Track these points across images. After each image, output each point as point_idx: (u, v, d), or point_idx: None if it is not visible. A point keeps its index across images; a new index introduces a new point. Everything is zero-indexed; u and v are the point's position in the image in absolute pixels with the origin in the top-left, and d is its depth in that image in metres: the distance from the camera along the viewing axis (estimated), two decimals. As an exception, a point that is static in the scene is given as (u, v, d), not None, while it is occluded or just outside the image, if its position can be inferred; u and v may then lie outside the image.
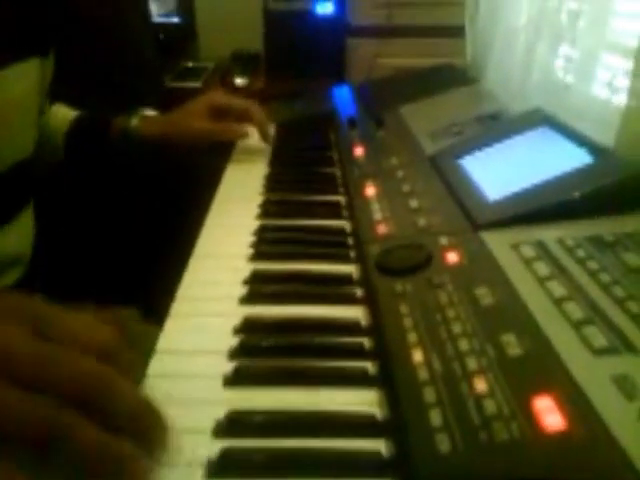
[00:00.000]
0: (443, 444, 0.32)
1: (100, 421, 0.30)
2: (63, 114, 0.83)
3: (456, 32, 1.25)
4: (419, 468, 0.31)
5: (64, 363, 0.31)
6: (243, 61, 1.70)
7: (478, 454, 0.31)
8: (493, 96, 0.94)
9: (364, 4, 1.57)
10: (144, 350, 0.44)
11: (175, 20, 1.79)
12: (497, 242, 0.50)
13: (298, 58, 1.66)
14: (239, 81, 1.64)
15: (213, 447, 0.35)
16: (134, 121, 0.83)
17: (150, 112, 0.88)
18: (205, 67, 1.68)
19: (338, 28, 1.62)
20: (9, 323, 0.33)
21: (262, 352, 0.45)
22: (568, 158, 0.58)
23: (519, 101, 0.84)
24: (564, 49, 0.85)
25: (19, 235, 0.64)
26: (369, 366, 0.43)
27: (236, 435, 0.37)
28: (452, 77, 1.11)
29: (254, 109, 0.87)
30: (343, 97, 1.15)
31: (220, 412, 0.38)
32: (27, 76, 0.61)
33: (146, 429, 0.33)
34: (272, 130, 0.97)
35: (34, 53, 0.62)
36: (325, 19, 1.64)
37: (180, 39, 1.79)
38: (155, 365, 0.43)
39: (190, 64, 1.71)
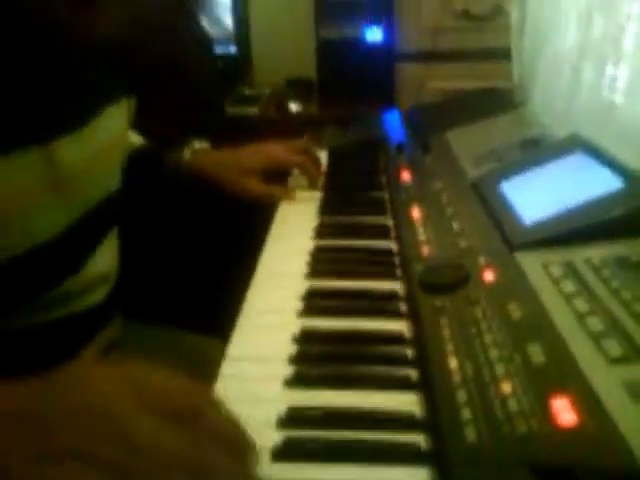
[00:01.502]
0: (471, 435, 0.38)
1: None
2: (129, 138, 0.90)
3: (502, 54, 1.30)
4: (450, 455, 0.37)
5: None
6: (297, 87, 1.79)
7: (500, 444, 0.36)
8: (537, 120, 0.98)
9: (412, 30, 1.64)
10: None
11: (232, 49, 1.90)
12: (530, 262, 0.55)
13: (350, 84, 1.74)
14: (293, 107, 1.73)
15: (277, 436, 0.42)
16: (186, 153, 0.87)
17: (201, 144, 0.92)
18: (261, 94, 1.77)
19: (387, 54, 1.69)
20: (125, 393, 0.34)
21: (317, 359, 0.51)
22: (600, 183, 0.62)
23: (564, 124, 0.87)
24: (610, 69, 0.88)
25: (108, 255, 0.72)
26: (411, 373, 0.49)
27: (296, 427, 0.43)
28: (497, 101, 1.16)
29: (308, 165, 0.90)
30: (392, 122, 1.21)
31: (282, 408, 0.45)
32: (120, 116, 0.69)
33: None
34: (324, 156, 1.04)
35: (123, 94, 0.70)
36: (375, 46, 1.72)
37: (237, 67, 1.90)
38: (226, 369, 0.51)
39: (247, 91, 1.81)
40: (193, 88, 1.33)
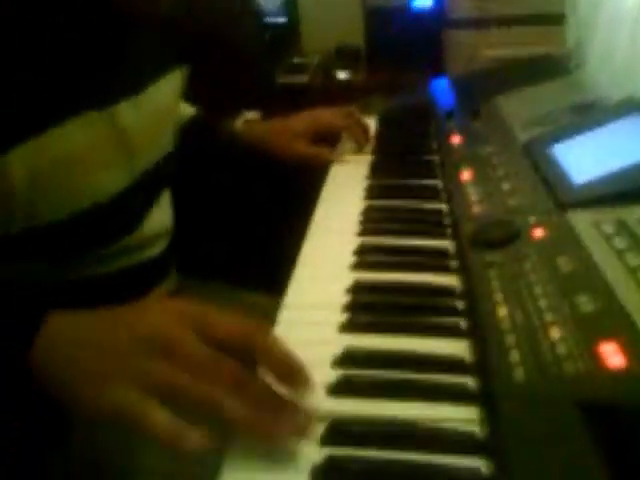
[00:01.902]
0: (519, 376, 0.40)
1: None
2: (182, 109, 0.94)
3: (555, 19, 1.27)
4: (498, 394, 0.39)
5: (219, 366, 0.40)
6: (345, 55, 1.79)
7: (548, 383, 0.38)
8: (591, 85, 0.96)
9: (461, -4, 1.61)
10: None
11: (281, 19, 1.91)
12: (580, 220, 0.56)
13: (398, 51, 1.73)
14: (342, 75, 1.73)
15: (333, 374, 0.44)
16: (238, 123, 0.92)
17: (253, 115, 0.96)
18: (310, 62, 1.78)
19: (436, 21, 1.67)
20: (178, 325, 0.42)
21: (370, 308, 0.54)
22: (655, 144, 0.62)
23: (623, 84, 0.85)
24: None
25: (163, 213, 0.77)
26: (461, 322, 0.51)
27: (351, 366, 0.46)
28: (550, 67, 1.14)
29: (355, 129, 0.93)
30: (441, 89, 1.21)
31: (337, 350, 0.48)
32: (175, 83, 0.73)
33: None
34: (372, 124, 1.05)
35: (177, 63, 0.74)
36: (423, 12, 1.70)
37: (286, 37, 1.91)
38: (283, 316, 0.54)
39: (295, 60, 1.82)
40: (243, 58, 1.35)
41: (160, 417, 0.38)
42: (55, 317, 0.45)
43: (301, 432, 0.39)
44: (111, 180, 0.62)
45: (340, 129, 0.94)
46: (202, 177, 0.98)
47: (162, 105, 0.70)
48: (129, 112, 0.62)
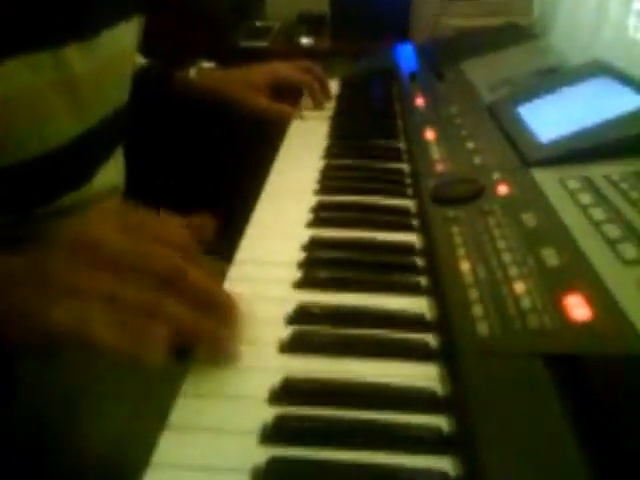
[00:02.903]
0: (482, 330, 0.37)
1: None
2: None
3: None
4: (460, 348, 0.37)
5: (147, 253, 0.39)
6: (309, 21, 1.74)
7: (512, 336, 0.36)
8: (556, 51, 0.95)
9: (429, -36, 1.58)
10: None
11: (244, -19, 1.85)
12: (546, 177, 0.54)
13: (363, 18, 1.69)
14: (305, 41, 1.69)
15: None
16: (192, 72, 0.88)
17: (208, 64, 0.92)
18: (272, 27, 1.73)
19: (403, -11, 1.63)
20: (105, 222, 0.40)
21: (326, 264, 0.51)
22: (621, 103, 0.60)
23: (587, 54, 0.84)
24: (638, 5, 0.85)
25: (116, 168, 0.73)
26: (422, 280, 0.49)
27: (305, 323, 0.43)
28: (516, 35, 1.12)
29: (313, 83, 0.90)
30: (406, 55, 1.18)
31: (290, 307, 0.45)
32: (132, 33, 0.69)
33: (222, 305, 0.40)
34: (335, 87, 1.02)
35: (135, 12, 0.70)
36: (390, -20, 1.66)
37: (249, 0, 1.85)
38: (233, 272, 0.50)
39: (258, 24, 1.76)
40: (202, 13, 1.29)
41: (111, 330, 0.35)
42: None
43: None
44: (61, 127, 0.58)
45: (298, 83, 0.91)
46: (155, 126, 0.94)
47: (117, 53, 0.65)
48: (79, 56, 0.58)
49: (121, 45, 0.67)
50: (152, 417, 0.36)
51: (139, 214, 0.43)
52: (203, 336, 0.39)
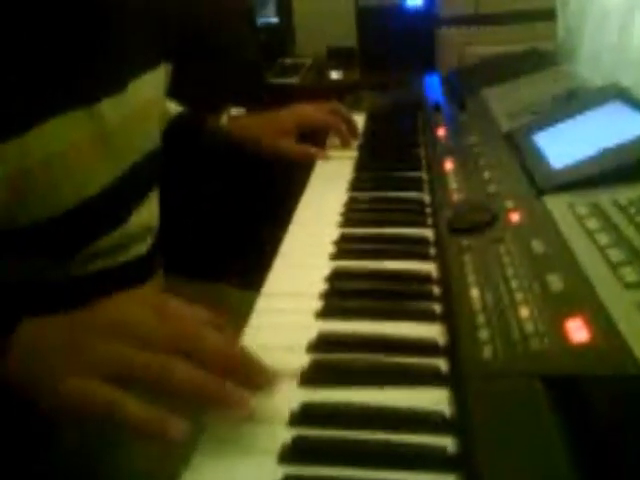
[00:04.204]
0: (487, 353, 0.40)
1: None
2: (168, 108, 0.94)
3: (545, 15, 1.27)
4: (465, 370, 0.39)
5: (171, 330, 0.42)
6: (338, 56, 1.79)
7: (514, 359, 0.38)
8: (580, 76, 0.96)
9: (452, -6, 1.62)
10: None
11: (274, 20, 1.93)
12: (556, 204, 0.56)
13: (390, 51, 1.73)
14: (334, 75, 1.74)
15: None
16: (224, 119, 0.92)
17: (238, 110, 0.96)
18: (303, 63, 1.79)
19: (428, 19, 1.67)
20: (140, 304, 0.44)
21: (346, 295, 0.54)
22: (633, 127, 0.62)
23: (611, 79, 0.85)
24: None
25: (149, 210, 0.77)
26: (436, 307, 0.51)
27: (325, 351, 0.46)
28: (538, 61, 1.14)
29: (339, 123, 0.93)
30: (432, 86, 1.21)
31: (313, 336, 0.48)
32: (158, 81, 0.74)
33: (240, 368, 0.42)
34: (361, 119, 1.05)
35: (161, 61, 0.74)
36: (415, 12, 1.71)
37: (279, 38, 1.92)
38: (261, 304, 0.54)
39: (288, 61, 1.83)
40: (233, 57, 1.35)
41: (133, 405, 0.38)
42: (27, 324, 0.45)
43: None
44: (95, 177, 0.62)
45: (325, 125, 0.94)
46: (188, 174, 0.99)
47: (144, 102, 0.70)
48: (112, 109, 0.63)
49: (148, 94, 0.71)
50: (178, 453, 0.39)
51: (170, 300, 0.45)
52: (216, 396, 0.40)
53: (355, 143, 0.94)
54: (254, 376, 0.42)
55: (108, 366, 0.40)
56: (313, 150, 0.91)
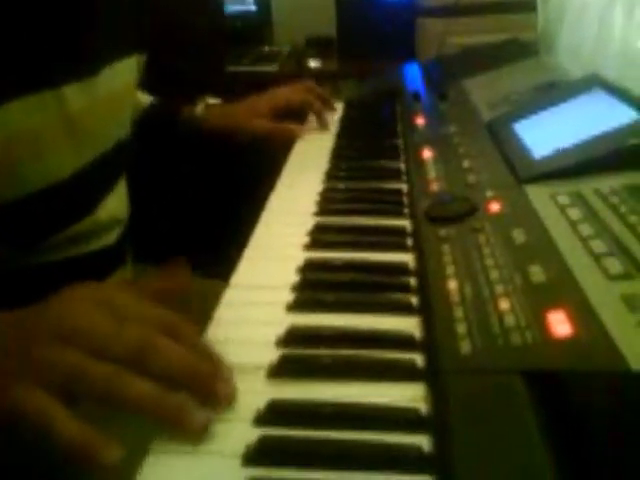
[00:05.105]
0: (465, 348, 0.38)
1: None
2: (140, 99, 0.92)
3: (525, 7, 1.26)
4: (442, 366, 0.37)
5: (124, 338, 0.38)
6: (317, 45, 1.77)
7: (493, 354, 0.36)
8: (559, 67, 0.95)
9: (433, -16, 1.60)
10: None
11: (252, 8, 1.89)
12: (537, 193, 0.55)
13: (370, 40, 1.71)
14: (313, 64, 1.71)
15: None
16: (199, 109, 0.91)
17: (213, 100, 0.95)
18: (280, 51, 1.76)
19: (407, 9, 1.66)
20: (90, 306, 0.40)
21: (320, 287, 0.52)
22: (614, 116, 0.61)
23: (590, 70, 0.84)
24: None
25: (118, 200, 0.74)
26: (413, 299, 0.49)
27: (295, 346, 0.44)
28: (518, 51, 1.13)
29: (313, 102, 0.92)
30: (411, 74, 1.20)
31: (282, 330, 0.45)
32: (131, 69, 0.72)
33: (200, 379, 0.38)
34: (339, 108, 1.03)
35: (135, 50, 0.72)
36: (395, 1, 1.69)
37: (257, 26, 1.89)
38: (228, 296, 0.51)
39: (266, 49, 1.80)
40: (199, 47, 1.32)
41: (65, 421, 0.34)
42: None
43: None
44: (63, 162, 0.60)
45: (300, 104, 0.93)
46: (163, 165, 0.96)
47: (116, 90, 0.68)
48: (78, 94, 0.60)
49: (120, 82, 0.69)
50: (137, 444, 0.36)
51: (120, 293, 0.42)
52: (171, 417, 0.36)
53: (332, 128, 0.93)
54: (217, 390, 0.38)
55: (53, 375, 0.36)
56: (292, 127, 0.90)
